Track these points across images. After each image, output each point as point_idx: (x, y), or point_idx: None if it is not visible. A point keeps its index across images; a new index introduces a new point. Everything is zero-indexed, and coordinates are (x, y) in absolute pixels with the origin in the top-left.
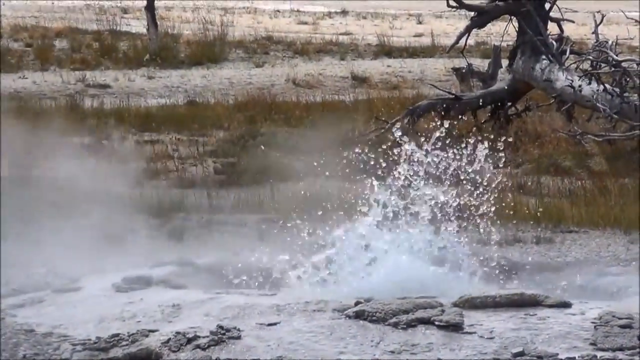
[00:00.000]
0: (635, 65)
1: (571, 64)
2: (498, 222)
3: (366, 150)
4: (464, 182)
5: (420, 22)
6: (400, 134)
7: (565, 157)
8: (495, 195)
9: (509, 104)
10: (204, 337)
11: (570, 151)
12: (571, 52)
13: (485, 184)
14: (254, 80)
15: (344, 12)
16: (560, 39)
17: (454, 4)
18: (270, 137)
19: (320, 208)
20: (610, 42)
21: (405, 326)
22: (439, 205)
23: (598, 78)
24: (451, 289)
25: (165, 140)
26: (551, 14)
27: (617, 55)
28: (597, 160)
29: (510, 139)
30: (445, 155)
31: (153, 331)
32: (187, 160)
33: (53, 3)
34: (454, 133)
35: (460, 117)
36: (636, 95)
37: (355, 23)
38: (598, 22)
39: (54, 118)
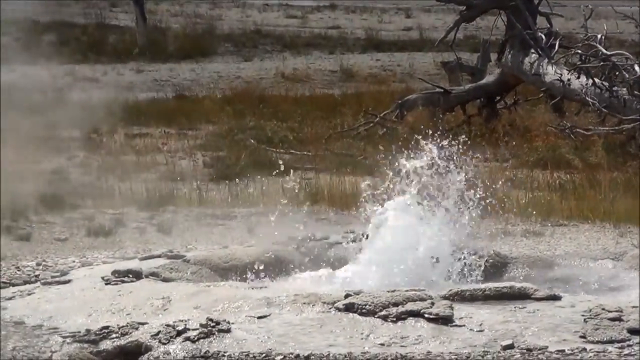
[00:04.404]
0: (624, 60)
1: (560, 58)
2: (488, 215)
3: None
4: None
5: (409, 16)
6: None
7: (557, 151)
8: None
9: (498, 97)
10: (193, 330)
11: (559, 145)
12: (560, 46)
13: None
14: (243, 74)
15: (333, 6)
16: (549, 33)
17: None
18: (259, 130)
19: (309, 201)
20: (599, 36)
21: (394, 319)
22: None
23: (587, 72)
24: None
25: (155, 133)
26: (540, 7)
27: (606, 50)
28: (589, 154)
29: (499, 133)
30: None
31: (143, 324)
32: (177, 153)
33: None
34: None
35: (449, 110)
36: (625, 89)
37: (344, 17)
38: (587, 16)
39: (43, 112)
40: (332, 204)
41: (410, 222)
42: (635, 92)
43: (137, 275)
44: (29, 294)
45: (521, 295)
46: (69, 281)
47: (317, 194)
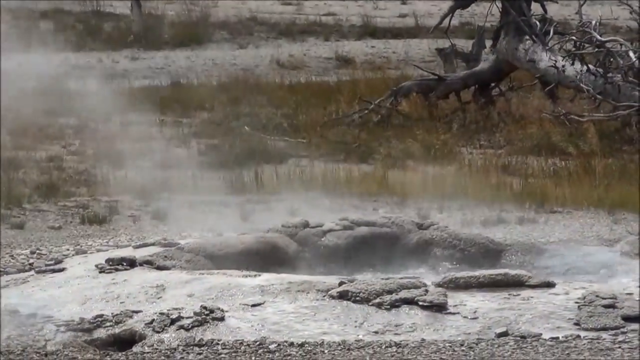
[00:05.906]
0: (618, 46)
1: (555, 45)
2: (482, 202)
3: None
4: None
5: (404, 3)
6: None
7: (551, 137)
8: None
9: (493, 84)
10: (187, 318)
11: (554, 131)
12: (555, 33)
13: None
14: (238, 62)
15: None
16: (544, 19)
17: None
18: (253, 118)
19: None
20: (594, 23)
21: (389, 306)
22: None
23: (582, 58)
24: None
25: (150, 121)
26: None
27: (600, 36)
28: (583, 141)
29: (494, 120)
30: None
31: (137, 312)
32: (171, 141)
33: None
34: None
35: (443, 97)
36: (619, 75)
37: (339, 4)
38: (582, 3)
39: (39, 99)
40: (327, 190)
41: None
42: (630, 78)
43: (131, 263)
44: (23, 283)
45: (515, 283)
46: (63, 269)
47: (311, 180)
